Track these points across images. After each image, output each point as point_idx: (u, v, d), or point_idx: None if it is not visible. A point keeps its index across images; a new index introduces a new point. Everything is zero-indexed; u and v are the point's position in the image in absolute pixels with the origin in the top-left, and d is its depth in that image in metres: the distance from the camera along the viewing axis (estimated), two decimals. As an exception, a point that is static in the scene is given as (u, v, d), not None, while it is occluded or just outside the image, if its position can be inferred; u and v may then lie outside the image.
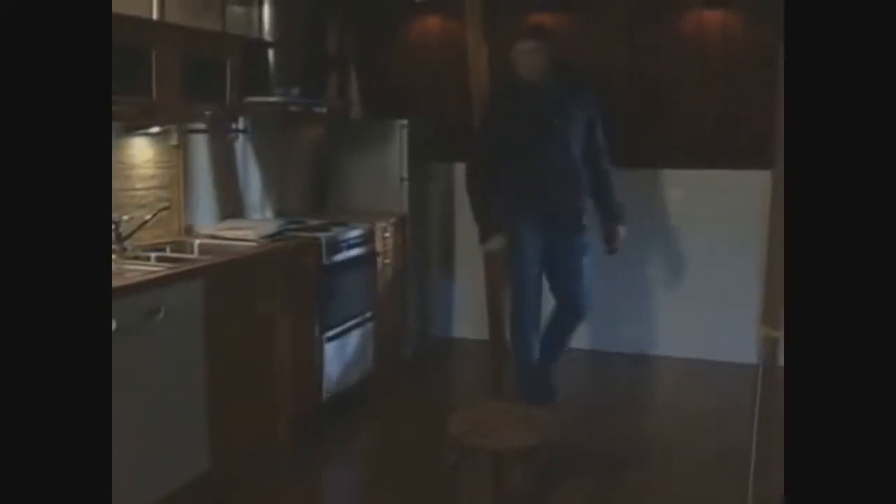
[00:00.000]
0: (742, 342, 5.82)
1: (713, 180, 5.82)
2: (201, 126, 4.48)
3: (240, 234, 4.36)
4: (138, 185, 4.14)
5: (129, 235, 3.89)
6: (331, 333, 4.66)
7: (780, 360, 5.46)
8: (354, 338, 4.93)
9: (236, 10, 4.77)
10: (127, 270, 3.46)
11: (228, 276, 3.81)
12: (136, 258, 3.78)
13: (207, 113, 4.15)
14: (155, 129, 4.16)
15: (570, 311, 4.76)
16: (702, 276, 5.88)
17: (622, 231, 4.81)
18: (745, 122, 5.64)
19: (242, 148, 5.02)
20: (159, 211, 4.16)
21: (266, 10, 4.78)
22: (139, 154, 4.15)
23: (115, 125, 3.83)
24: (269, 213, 5.28)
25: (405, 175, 5.61)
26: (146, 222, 4.05)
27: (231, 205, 4.90)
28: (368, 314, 5.08)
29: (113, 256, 3.65)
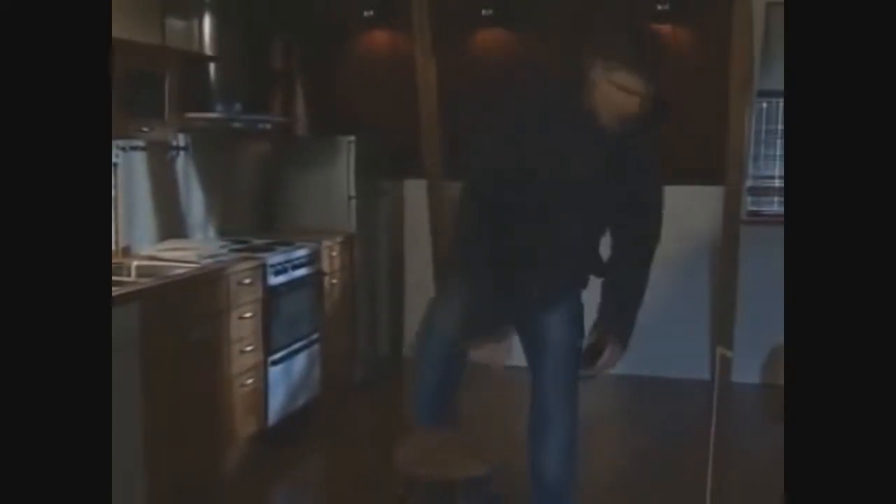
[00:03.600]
0: (694, 359, 5.81)
1: (665, 196, 5.77)
2: (139, 143, 4.32)
3: (180, 255, 4.19)
4: (72, 205, 3.96)
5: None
6: (276, 356, 4.52)
7: (733, 378, 5.46)
8: (301, 361, 4.79)
9: (176, 23, 4.60)
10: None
11: (167, 300, 3.65)
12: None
13: (145, 129, 3.98)
14: (89, 146, 3.98)
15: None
16: (654, 294, 5.82)
17: (617, 353, 2.95)
18: (697, 137, 5.61)
19: (183, 166, 4.84)
20: (94, 231, 3.99)
21: (207, 23, 4.64)
22: (73, 172, 3.98)
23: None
24: (211, 233, 5.10)
25: (353, 193, 5.49)
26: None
27: (171, 225, 4.72)
28: (315, 336, 4.93)
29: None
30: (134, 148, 4.31)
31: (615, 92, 2.59)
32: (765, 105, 5.71)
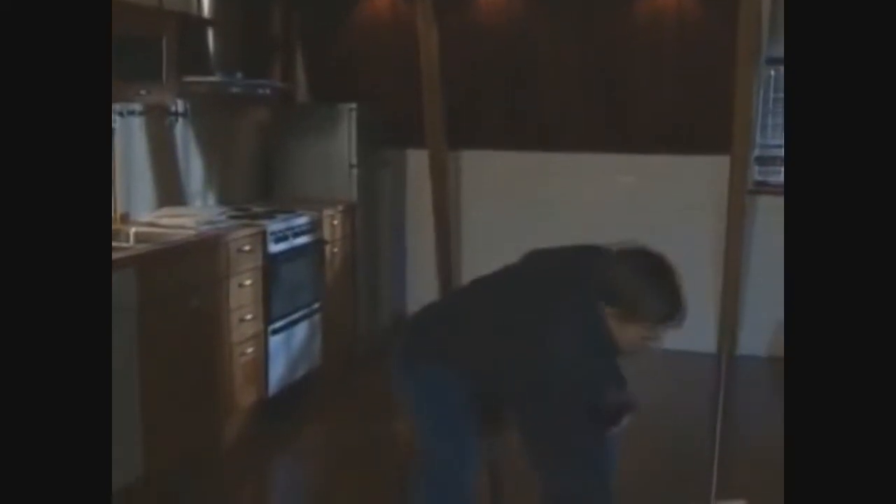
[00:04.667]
0: (699, 331, 5.74)
1: (670, 166, 5.71)
2: (137, 108, 4.24)
3: (178, 221, 4.13)
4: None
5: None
6: (276, 326, 4.46)
7: (739, 351, 5.40)
8: (301, 330, 4.73)
9: (173, -15, 4.52)
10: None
11: (164, 266, 3.59)
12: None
13: (143, 93, 3.90)
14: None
15: None
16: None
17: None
18: (703, 106, 5.51)
19: (182, 132, 4.76)
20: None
21: (205, -13, 4.54)
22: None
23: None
24: (211, 201, 5.03)
25: (354, 161, 5.40)
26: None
27: (170, 192, 4.65)
28: (316, 305, 4.87)
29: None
30: (132, 113, 4.24)
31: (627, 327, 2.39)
32: (773, 73, 5.61)
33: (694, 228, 5.72)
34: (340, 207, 5.25)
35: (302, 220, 4.71)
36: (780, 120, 5.70)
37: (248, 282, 4.18)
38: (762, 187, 5.64)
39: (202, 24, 4.52)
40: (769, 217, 5.41)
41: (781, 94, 5.68)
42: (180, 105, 4.59)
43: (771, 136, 5.73)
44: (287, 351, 4.58)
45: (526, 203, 5.88)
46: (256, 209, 4.80)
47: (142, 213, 4.32)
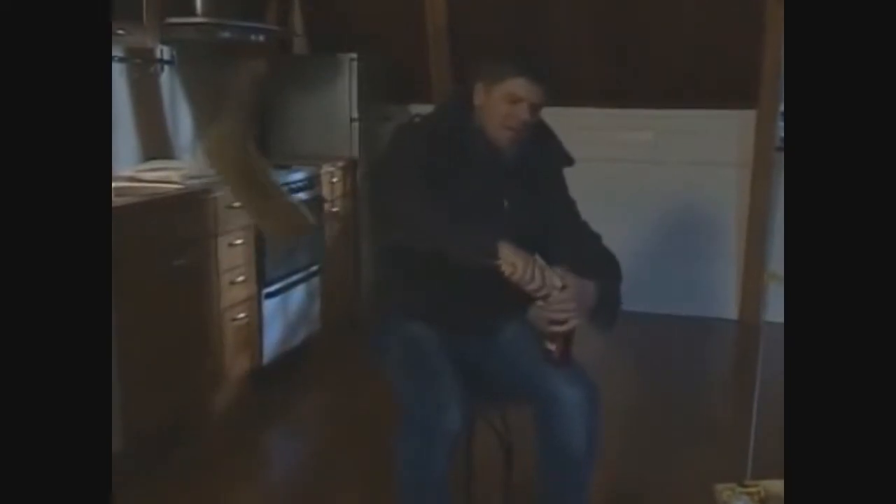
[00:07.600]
0: (719, 297, 5.46)
1: (689, 121, 5.38)
2: (117, 53, 3.92)
3: (162, 175, 3.81)
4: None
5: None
6: (271, 289, 4.18)
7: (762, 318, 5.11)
8: (298, 294, 4.45)
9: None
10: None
11: (144, 220, 3.30)
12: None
13: (121, 32, 3.56)
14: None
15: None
16: (675, 226, 5.45)
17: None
18: (726, 55, 5.17)
19: (169, 82, 4.44)
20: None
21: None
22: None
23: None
24: (200, 157, 4.71)
25: (355, 115, 5.12)
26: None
27: (156, 146, 4.34)
28: (314, 268, 4.59)
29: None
30: (111, 58, 3.91)
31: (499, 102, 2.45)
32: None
33: (715, 188, 5.41)
34: (340, 164, 4.96)
35: (298, 176, 4.41)
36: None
37: (239, 241, 3.88)
38: (790, 144, 5.31)
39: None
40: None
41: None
42: (166, 52, 4.28)
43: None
44: (283, 316, 4.30)
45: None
46: (249, 165, 4.49)
47: (124, 169, 4.00)
